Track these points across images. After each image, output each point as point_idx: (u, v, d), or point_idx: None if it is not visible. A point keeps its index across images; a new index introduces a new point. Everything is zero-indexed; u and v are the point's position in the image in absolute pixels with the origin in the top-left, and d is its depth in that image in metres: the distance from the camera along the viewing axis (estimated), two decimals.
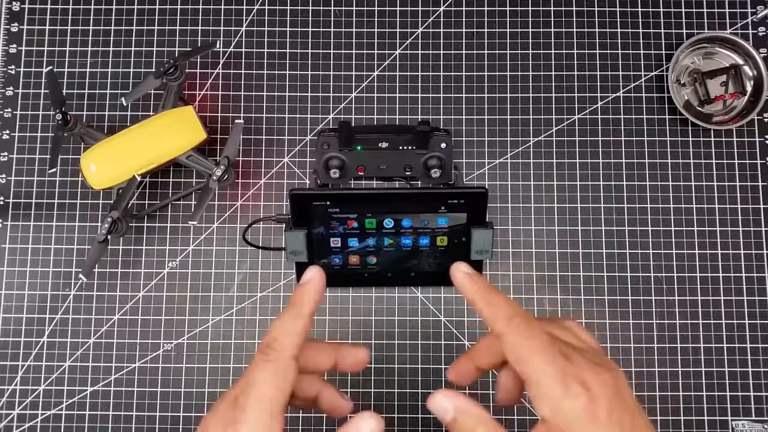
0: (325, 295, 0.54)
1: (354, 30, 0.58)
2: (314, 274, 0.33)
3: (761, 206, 0.55)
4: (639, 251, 0.55)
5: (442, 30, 0.58)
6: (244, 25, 0.58)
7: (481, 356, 0.33)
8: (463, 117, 0.57)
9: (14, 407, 0.53)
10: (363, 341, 0.53)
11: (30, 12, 0.58)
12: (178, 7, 0.58)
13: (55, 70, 0.57)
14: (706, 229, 0.55)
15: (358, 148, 0.53)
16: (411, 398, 0.53)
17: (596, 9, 0.58)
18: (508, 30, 0.58)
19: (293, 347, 0.29)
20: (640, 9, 0.58)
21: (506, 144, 0.56)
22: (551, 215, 0.55)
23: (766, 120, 0.56)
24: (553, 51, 0.57)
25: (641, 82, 0.57)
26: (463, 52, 0.57)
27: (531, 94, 0.57)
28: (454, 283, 0.33)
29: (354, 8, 0.58)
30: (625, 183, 0.56)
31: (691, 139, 0.56)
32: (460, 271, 0.33)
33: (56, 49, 0.58)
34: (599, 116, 0.56)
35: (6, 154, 0.56)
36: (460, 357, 0.34)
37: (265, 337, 0.30)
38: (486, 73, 0.57)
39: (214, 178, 0.50)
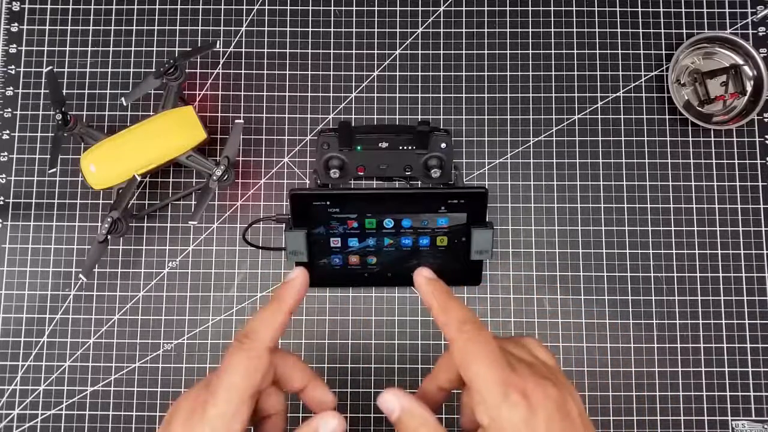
0: (325, 295, 0.54)
1: (354, 30, 0.58)
2: (299, 274, 0.33)
3: (761, 206, 0.55)
4: (639, 251, 0.55)
5: (442, 30, 0.58)
6: (244, 25, 0.58)
7: (440, 375, 0.32)
8: (463, 117, 0.57)
9: (14, 407, 0.53)
10: (363, 341, 0.53)
11: (30, 12, 0.58)
12: (178, 7, 0.58)
13: (55, 70, 0.57)
14: (706, 229, 0.55)
15: (358, 148, 0.53)
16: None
17: (596, 9, 0.58)
18: (508, 30, 0.58)
19: (270, 339, 0.30)
20: (640, 9, 0.58)
21: (506, 144, 0.56)
22: (551, 215, 0.55)
23: (766, 120, 0.56)
24: (553, 51, 0.57)
25: (641, 82, 0.57)
26: (463, 52, 0.57)
27: (531, 94, 0.57)
28: (416, 288, 0.34)
29: (354, 8, 0.58)
30: (625, 183, 0.56)
31: (691, 139, 0.56)
32: (421, 275, 0.33)
33: (56, 49, 0.57)
34: (599, 116, 0.56)
35: (6, 154, 0.56)
36: (422, 381, 0.34)
37: (244, 327, 0.30)
38: (486, 73, 0.57)
39: (214, 178, 0.50)
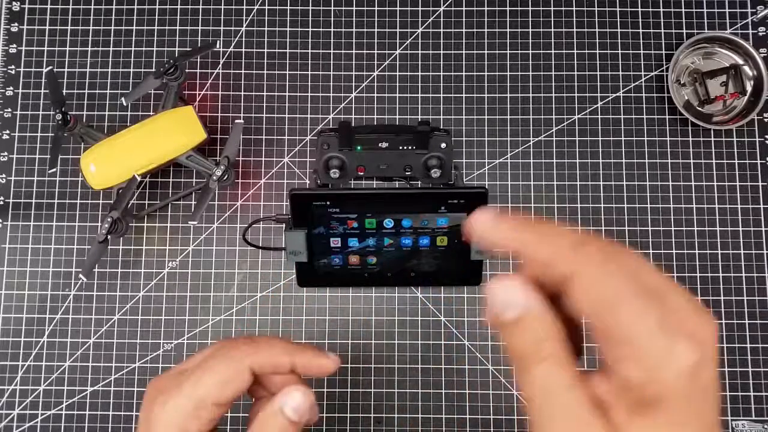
0: (325, 295, 0.54)
1: (354, 30, 0.58)
2: (333, 361, 0.31)
3: (761, 206, 0.55)
4: (639, 251, 0.55)
5: (442, 30, 0.58)
6: (244, 25, 0.58)
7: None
8: (463, 117, 0.57)
9: (14, 407, 0.53)
10: (363, 341, 0.53)
11: (30, 12, 0.58)
12: (178, 7, 0.58)
13: (55, 70, 0.57)
14: (706, 229, 0.55)
15: (358, 148, 0.53)
16: (411, 398, 0.53)
17: (596, 9, 0.58)
18: (508, 30, 0.58)
19: (259, 365, 0.29)
20: (640, 9, 0.58)
21: (506, 144, 0.56)
22: (551, 215, 0.55)
23: (766, 120, 0.56)
24: (553, 51, 0.57)
25: (641, 82, 0.57)
26: (463, 52, 0.57)
27: (531, 94, 0.57)
28: (473, 237, 0.24)
29: (354, 8, 0.58)
30: (625, 183, 0.56)
31: (691, 139, 0.56)
32: (482, 217, 0.24)
33: (56, 49, 0.57)
34: (599, 116, 0.56)
35: (6, 154, 0.56)
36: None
37: (252, 335, 0.30)
38: (486, 73, 0.57)
39: (214, 178, 0.50)
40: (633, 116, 0.56)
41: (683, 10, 0.58)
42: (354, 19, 0.58)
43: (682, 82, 0.57)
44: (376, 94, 0.57)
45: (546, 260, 0.22)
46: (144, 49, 0.58)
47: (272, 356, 0.29)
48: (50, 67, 0.55)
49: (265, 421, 0.28)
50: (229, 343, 0.30)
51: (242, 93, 0.57)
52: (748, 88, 0.56)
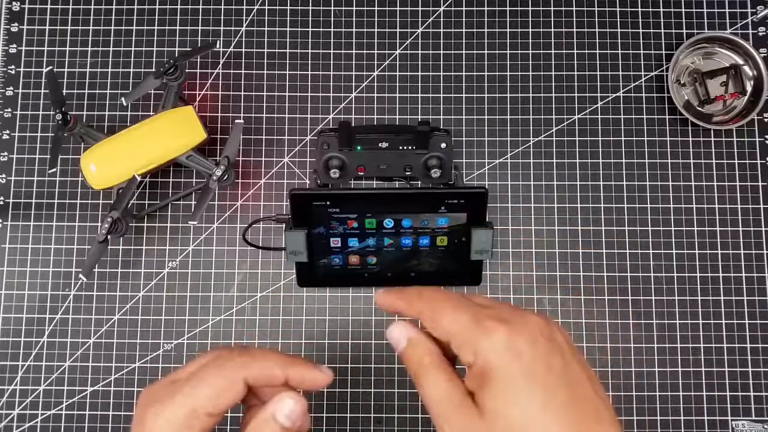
0: (325, 295, 0.54)
1: (354, 30, 0.58)
2: (326, 375, 0.31)
3: (761, 206, 0.55)
4: (639, 251, 0.55)
5: (442, 30, 0.58)
6: (244, 25, 0.58)
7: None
8: (463, 117, 0.57)
9: (14, 407, 0.53)
10: (363, 341, 0.53)
11: (30, 12, 0.58)
12: (178, 7, 0.58)
13: (55, 70, 0.57)
14: (706, 229, 0.55)
15: (358, 148, 0.53)
16: (411, 398, 0.53)
17: (596, 9, 0.58)
18: (508, 30, 0.58)
19: (254, 378, 0.29)
20: (640, 9, 0.58)
21: (506, 144, 0.56)
22: (551, 215, 0.55)
23: (766, 120, 0.56)
24: (553, 51, 0.57)
25: (641, 82, 0.57)
26: (463, 52, 0.57)
27: (531, 94, 0.57)
28: (381, 308, 0.32)
29: (354, 8, 0.58)
30: (625, 183, 0.56)
31: (691, 139, 0.56)
32: (377, 296, 0.32)
33: (56, 49, 0.57)
34: (599, 116, 0.56)
35: (6, 154, 0.56)
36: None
37: (249, 347, 0.30)
38: (486, 73, 0.57)
39: (214, 178, 0.50)
40: (633, 116, 0.56)
41: (683, 10, 0.58)
42: (354, 19, 0.58)
43: (682, 82, 0.57)
44: (376, 94, 0.57)
45: (415, 315, 0.30)
46: (144, 49, 0.58)
47: (266, 368, 0.29)
48: (50, 67, 0.55)
49: (258, 428, 0.28)
50: (224, 353, 0.30)
51: (242, 93, 0.57)
52: (748, 88, 0.56)
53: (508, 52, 0.57)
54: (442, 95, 0.57)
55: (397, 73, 0.57)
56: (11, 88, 0.57)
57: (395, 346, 0.29)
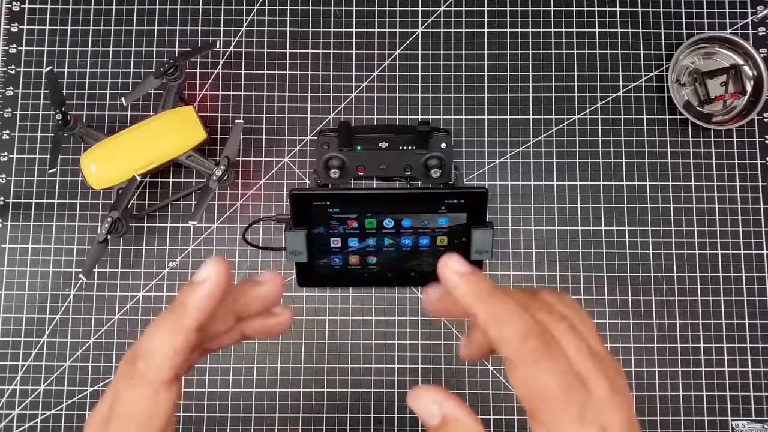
0: (325, 295, 0.54)
1: (354, 30, 0.58)
2: (211, 272, 0.24)
3: (761, 206, 0.55)
4: (639, 251, 0.55)
5: (442, 30, 0.58)
6: (244, 25, 0.58)
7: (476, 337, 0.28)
8: (463, 117, 0.57)
9: (14, 407, 0.53)
10: (363, 341, 0.53)
11: (30, 12, 0.58)
12: (178, 7, 0.58)
13: (55, 70, 0.57)
14: (706, 229, 0.55)
15: (358, 148, 0.53)
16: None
17: (596, 9, 0.58)
18: (508, 30, 0.58)
19: (168, 368, 0.23)
20: (640, 9, 0.58)
21: (506, 144, 0.56)
22: (551, 215, 0.55)
23: (766, 120, 0.56)
24: (553, 51, 0.57)
25: (641, 82, 0.57)
26: (463, 52, 0.57)
27: (531, 94, 0.57)
28: (444, 280, 0.26)
29: (354, 8, 0.58)
30: (625, 183, 0.56)
31: (691, 139, 0.56)
32: (455, 266, 0.25)
33: (56, 49, 0.57)
34: (599, 116, 0.56)
35: (6, 154, 0.56)
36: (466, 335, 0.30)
37: (133, 346, 0.24)
38: (486, 73, 0.57)
39: (214, 178, 0.50)
40: (633, 116, 0.56)
41: (683, 10, 0.58)
42: (354, 19, 0.58)
43: (682, 82, 0.57)
44: (376, 94, 0.57)
45: (492, 340, 0.24)
46: (144, 49, 0.58)
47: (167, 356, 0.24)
48: (50, 67, 0.55)
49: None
50: (127, 370, 0.24)
51: (242, 93, 0.57)
52: (748, 88, 0.56)
53: (508, 52, 0.57)
54: (442, 95, 0.57)
55: (397, 73, 0.57)
56: (11, 88, 0.57)
57: (424, 419, 0.24)
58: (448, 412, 0.23)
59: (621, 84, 0.57)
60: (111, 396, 0.24)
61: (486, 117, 0.57)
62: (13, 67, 0.57)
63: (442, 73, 0.57)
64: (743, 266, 0.54)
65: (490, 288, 0.25)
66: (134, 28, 0.58)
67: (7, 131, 0.56)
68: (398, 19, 0.58)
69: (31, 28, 0.58)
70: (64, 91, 0.56)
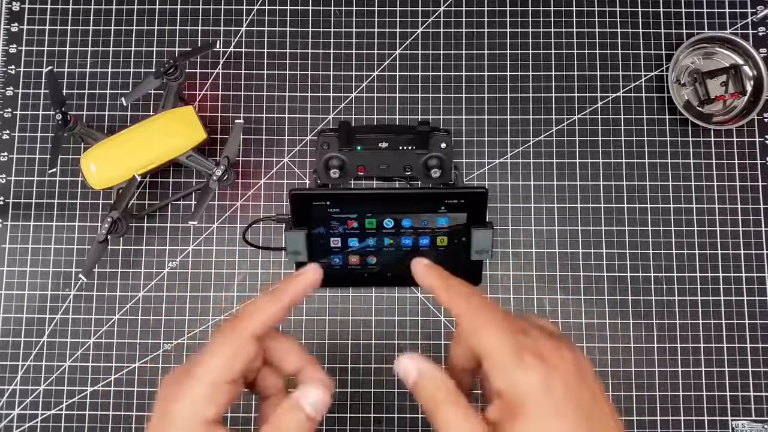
0: (325, 295, 0.54)
1: (354, 30, 0.58)
2: (310, 273, 0.32)
3: (761, 206, 0.55)
4: (639, 251, 0.55)
5: (442, 30, 0.58)
6: (244, 25, 0.58)
7: (457, 356, 0.32)
8: (463, 117, 0.57)
9: (14, 407, 0.53)
10: (363, 341, 0.53)
11: (30, 12, 0.58)
12: (178, 7, 0.58)
13: (55, 70, 0.57)
14: (706, 229, 0.55)
15: (358, 148, 0.53)
16: (411, 398, 0.52)
17: (596, 9, 0.58)
18: (508, 30, 0.58)
19: (257, 327, 0.29)
20: (640, 9, 0.58)
21: (506, 144, 0.56)
22: (551, 215, 0.55)
23: (766, 120, 0.56)
24: (553, 51, 0.57)
25: (641, 82, 0.57)
26: (463, 52, 0.57)
27: (531, 94, 0.57)
28: (414, 277, 0.33)
29: (354, 8, 0.58)
30: (625, 183, 0.56)
31: (691, 139, 0.56)
32: (419, 264, 0.33)
33: (56, 49, 0.57)
34: (599, 116, 0.56)
35: (6, 154, 0.56)
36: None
37: (238, 311, 0.30)
38: (486, 73, 0.57)
39: (214, 178, 0.50)
40: (633, 116, 0.56)
41: (683, 10, 0.58)
42: (354, 19, 0.58)
43: (682, 82, 0.57)
44: (376, 94, 0.57)
45: (444, 305, 0.31)
46: (144, 49, 0.58)
47: (263, 313, 0.29)
48: (50, 67, 0.55)
49: (283, 416, 0.28)
50: (224, 323, 0.30)
51: (242, 93, 0.57)
52: (748, 88, 0.56)
53: (508, 52, 0.57)
54: (442, 95, 0.57)
55: (397, 73, 0.57)
56: (11, 88, 0.57)
57: (405, 379, 0.29)
58: (423, 368, 0.28)
59: (621, 84, 0.57)
60: (189, 362, 0.28)
61: (486, 117, 0.57)
62: (13, 67, 0.57)
63: (442, 73, 0.57)
64: (743, 266, 0.54)
65: (444, 272, 0.33)
66: (134, 28, 0.58)
67: (7, 131, 0.56)
68: (398, 19, 0.58)
69: (31, 28, 0.58)
70: (64, 91, 0.56)
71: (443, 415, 0.27)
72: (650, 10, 0.58)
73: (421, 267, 0.33)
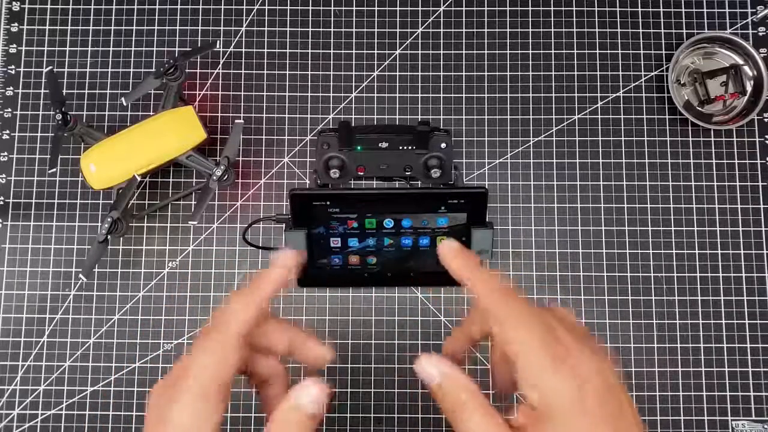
0: (325, 295, 0.54)
1: (354, 30, 0.58)
2: (280, 257, 0.31)
3: (761, 206, 0.55)
4: (639, 251, 0.55)
5: (442, 30, 0.58)
6: (244, 25, 0.58)
7: (472, 328, 0.32)
8: (463, 117, 0.57)
9: (14, 407, 0.53)
10: (363, 341, 0.53)
11: (30, 12, 0.58)
12: (178, 7, 0.58)
13: (55, 70, 0.57)
14: (706, 229, 0.55)
15: (358, 148, 0.53)
16: (411, 398, 0.53)
17: (596, 9, 0.58)
18: (508, 30, 0.58)
19: (238, 330, 0.28)
20: (640, 9, 0.58)
21: (506, 144, 0.56)
22: (551, 215, 0.55)
23: (766, 120, 0.56)
24: (553, 51, 0.57)
25: (641, 82, 0.57)
26: (463, 52, 0.57)
27: (531, 94, 0.57)
28: (441, 259, 0.33)
29: (354, 8, 0.58)
30: (625, 183, 0.56)
31: (691, 139, 0.56)
32: (449, 246, 0.34)
33: (56, 49, 0.57)
34: (599, 116, 0.56)
35: (6, 154, 0.56)
36: (453, 331, 0.34)
37: (215, 313, 0.29)
38: (486, 73, 0.57)
39: (214, 178, 0.50)
40: (633, 116, 0.56)
41: (683, 10, 0.58)
42: (354, 19, 0.58)
43: (682, 82, 0.57)
44: (376, 94, 0.57)
45: (474, 291, 0.30)
46: (144, 49, 0.58)
47: (239, 316, 0.29)
48: (50, 67, 0.55)
49: (283, 416, 0.28)
50: (204, 329, 0.30)
51: (242, 93, 0.57)
52: (748, 88, 0.56)
53: (508, 52, 0.57)
54: (442, 95, 0.57)
55: (397, 73, 0.57)
56: (11, 88, 0.57)
57: (427, 381, 0.28)
58: (446, 371, 0.28)
59: (621, 84, 0.57)
60: (178, 366, 0.28)
61: (486, 117, 0.57)
62: (13, 67, 0.57)
63: (442, 73, 0.57)
64: (743, 266, 0.54)
65: (475, 259, 0.33)
66: (134, 28, 0.58)
67: (7, 131, 0.56)
68: (398, 19, 0.58)
69: (31, 28, 0.58)
70: (64, 91, 0.56)
71: (467, 417, 0.26)
72: (650, 10, 0.58)
73: (450, 251, 0.33)
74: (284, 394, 0.29)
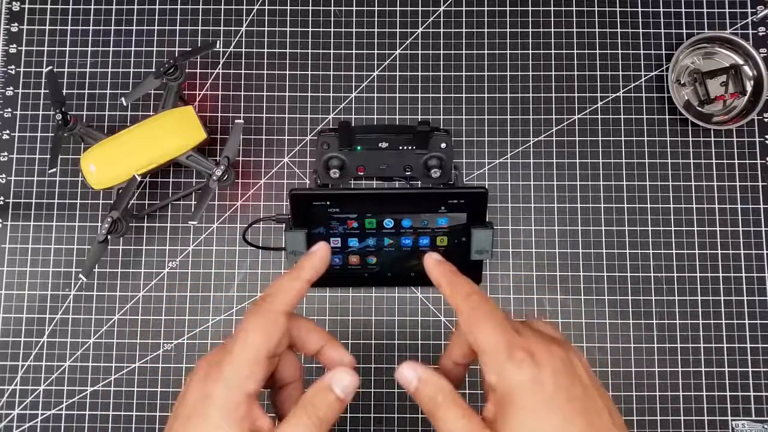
0: (325, 295, 0.54)
1: (354, 30, 0.58)
2: (321, 247, 0.34)
3: (761, 206, 0.55)
4: (639, 251, 0.55)
5: (442, 30, 0.58)
6: (244, 25, 0.58)
7: (454, 351, 0.33)
8: (463, 117, 0.57)
9: (14, 407, 0.53)
10: (363, 341, 0.53)
11: (30, 12, 0.58)
12: (178, 7, 0.58)
13: (55, 70, 0.57)
14: (706, 229, 0.55)
15: (358, 148, 0.53)
16: (411, 398, 0.52)
17: (596, 9, 0.58)
18: (508, 30, 0.58)
19: (286, 304, 0.30)
20: (640, 9, 0.58)
21: (506, 144, 0.56)
22: (551, 215, 0.55)
23: (766, 120, 0.56)
24: (553, 51, 0.57)
25: (641, 82, 0.57)
26: (463, 52, 0.57)
27: (531, 94, 0.57)
28: (426, 270, 0.35)
29: (354, 8, 0.58)
30: (625, 183, 0.56)
31: (691, 139, 0.56)
32: (431, 258, 0.35)
33: (56, 49, 0.57)
34: (599, 116, 0.56)
35: (6, 154, 0.56)
36: (439, 359, 0.35)
37: (264, 291, 0.31)
38: (486, 73, 0.57)
39: (214, 178, 0.50)
40: (633, 116, 0.56)
41: (683, 10, 0.58)
42: (354, 19, 0.58)
43: (682, 82, 0.57)
44: (376, 94, 0.57)
45: (448, 298, 0.32)
46: (144, 49, 0.58)
47: (289, 290, 0.31)
48: (50, 67, 0.55)
49: (314, 396, 0.29)
50: (252, 305, 0.31)
51: (242, 93, 0.57)
52: (748, 88, 0.56)
53: (508, 52, 0.57)
54: (442, 95, 0.57)
55: (397, 73, 0.57)
56: (11, 88, 0.57)
57: (406, 386, 0.30)
58: (421, 374, 0.30)
59: (621, 84, 0.57)
60: (238, 328, 0.30)
61: (486, 117, 0.57)
62: (13, 67, 0.57)
63: (442, 73, 0.57)
64: (743, 266, 0.54)
65: (452, 269, 0.34)
66: (134, 28, 0.58)
67: (7, 131, 0.56)
68: (398, 19, 0.58)
69: (31, 28, 0.58)
70: (64, 91, 0.56)
71: (442, 415, 0.28)
72: (650, 10, 0.58)
73: (431, 261, 0.35)
74: (298, 398, 0.30)
